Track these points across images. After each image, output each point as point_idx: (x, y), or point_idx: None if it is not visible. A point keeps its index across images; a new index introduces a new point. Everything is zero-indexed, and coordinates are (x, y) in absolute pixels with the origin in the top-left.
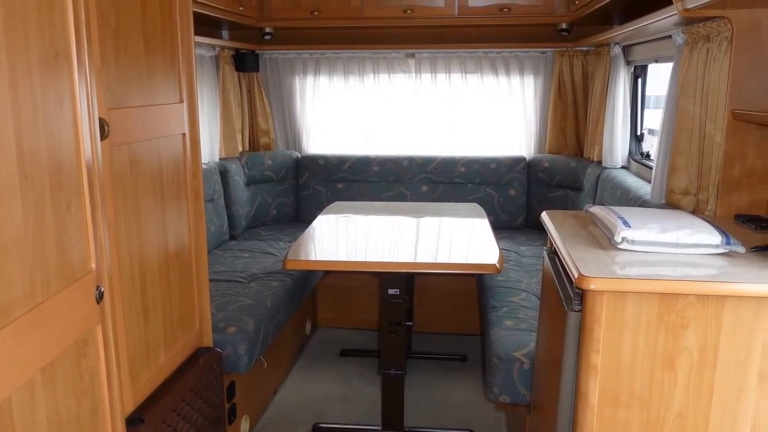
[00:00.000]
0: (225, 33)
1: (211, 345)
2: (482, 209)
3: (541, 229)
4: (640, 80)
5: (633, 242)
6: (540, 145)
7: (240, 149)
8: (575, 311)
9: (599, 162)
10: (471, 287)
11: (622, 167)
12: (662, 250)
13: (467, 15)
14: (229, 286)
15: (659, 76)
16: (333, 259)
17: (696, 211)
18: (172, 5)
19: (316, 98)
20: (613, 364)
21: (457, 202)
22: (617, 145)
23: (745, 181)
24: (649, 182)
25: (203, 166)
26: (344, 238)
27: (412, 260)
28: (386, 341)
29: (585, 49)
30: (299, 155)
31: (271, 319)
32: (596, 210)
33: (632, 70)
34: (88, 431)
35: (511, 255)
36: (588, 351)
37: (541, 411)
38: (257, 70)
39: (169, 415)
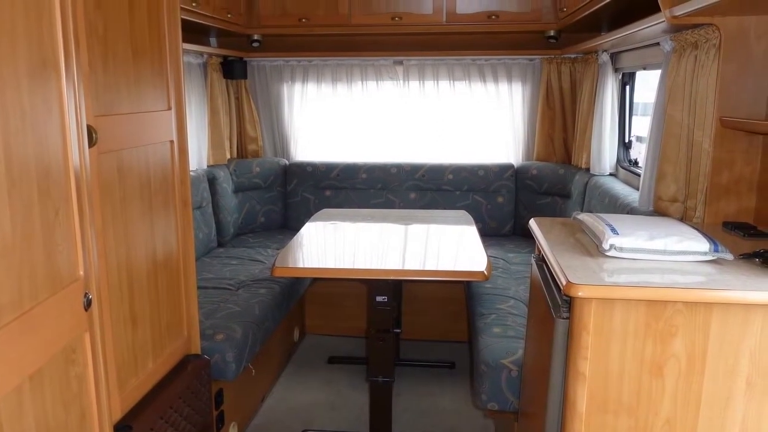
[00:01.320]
0: (213, 40)
1: (199, 352)
2: (470, 216)
3: (529, 237)
4: (628, 87)
5: (621, 249)
6: (528, 153)
7: (228, 156)
8: (563, 318)
9: (587, 169)
10: (459, 294)
11: (610, 174)
12: (650, 257)
13: (455, 22)
14: (217, 294)
15: (647, 83)
16: (321, 266)
17: (684, 219)
18: (160, 13)
19: (304, 105)
20: (601, 371)
21: (445, 209)
22: (605, 153)
23: (732, 188)
24: (637, 189)
25: (191, 173)
26: (332, 245)
27: (400, 267)
28: (374, 348)
29: (573, 56)
30: (287, 162)
31: (259, 327)
32: (584, 217)
33: (620, 77)
34: None
35: (499, 262)
36: (576, 358)
37: (529, 418)
38: (245, 78)
39: (157, 423)
